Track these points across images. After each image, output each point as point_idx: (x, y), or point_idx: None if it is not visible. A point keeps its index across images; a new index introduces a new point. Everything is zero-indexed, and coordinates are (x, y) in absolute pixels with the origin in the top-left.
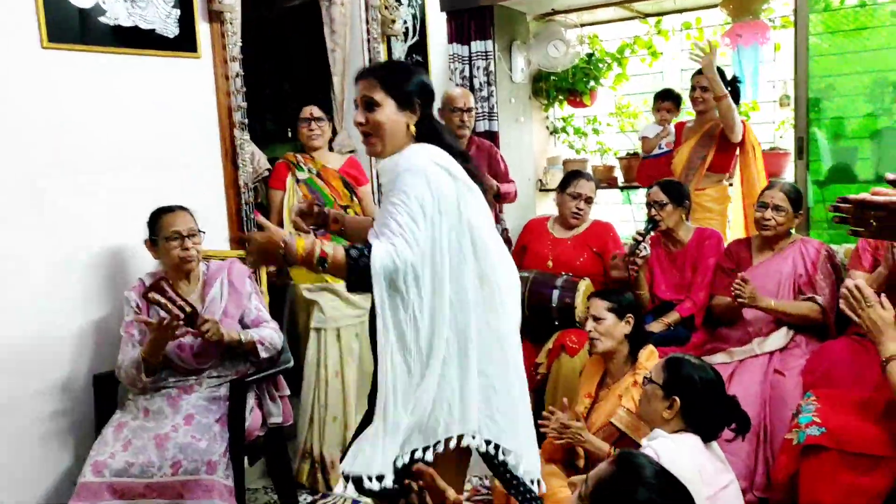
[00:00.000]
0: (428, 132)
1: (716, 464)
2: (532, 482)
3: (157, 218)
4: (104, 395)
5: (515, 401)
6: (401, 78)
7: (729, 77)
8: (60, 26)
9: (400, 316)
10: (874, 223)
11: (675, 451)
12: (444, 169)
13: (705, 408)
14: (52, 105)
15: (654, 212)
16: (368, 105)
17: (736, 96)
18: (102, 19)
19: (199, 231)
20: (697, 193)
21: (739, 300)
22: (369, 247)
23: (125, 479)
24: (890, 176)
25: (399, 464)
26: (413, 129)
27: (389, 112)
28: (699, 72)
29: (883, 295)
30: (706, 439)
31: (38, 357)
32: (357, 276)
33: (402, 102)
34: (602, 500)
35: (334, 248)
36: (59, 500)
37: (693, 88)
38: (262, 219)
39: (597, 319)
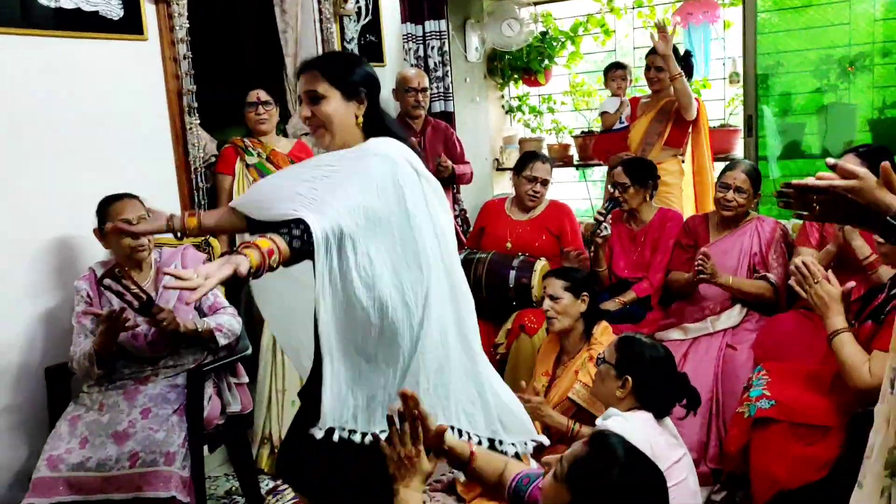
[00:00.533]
0: (376, 123)
1: (668, 438)
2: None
3: (106, 207)
4: (57, 388)
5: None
6: (344, 69)
7: (682, 53)
8: (0, 9)
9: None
10: (817, 207)
11: (627, 428)
12: (410, 164)
13: (656, 386)
14: None
15: (616, 192)
16: (313, 99)
17: (689, 71)
18: (43, 1)
19: (147, 216)
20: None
21: (701, 276)
22: (304, 225)
23: (81, 474)
24: (830, 161)
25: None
26: (361, 119)
27: (336, 104)
28: (653, 51)
29: (830, 271)
30: (658, 416)
31: None
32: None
33: (347, 93)
34: (577, 479)
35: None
36: (13, 496)
37: (648, 68)
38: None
39: (553, 298)
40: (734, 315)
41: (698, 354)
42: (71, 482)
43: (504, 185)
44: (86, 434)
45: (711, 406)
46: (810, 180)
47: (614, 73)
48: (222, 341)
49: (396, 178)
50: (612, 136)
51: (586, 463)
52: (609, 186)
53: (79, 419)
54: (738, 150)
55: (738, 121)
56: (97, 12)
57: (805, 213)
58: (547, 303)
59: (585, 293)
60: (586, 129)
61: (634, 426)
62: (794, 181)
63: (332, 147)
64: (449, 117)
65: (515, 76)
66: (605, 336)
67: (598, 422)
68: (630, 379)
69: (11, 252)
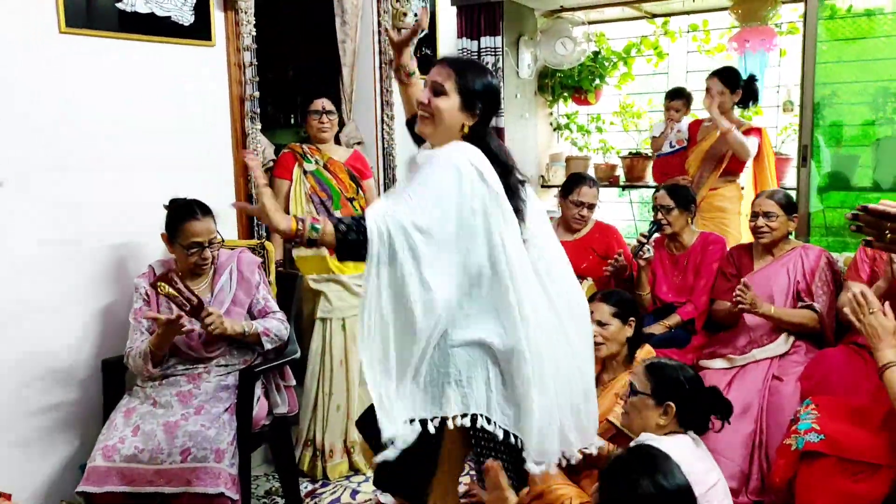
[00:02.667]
0: (478, 138)
1: (705, 462)
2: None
3: (180, 221)
4: (112, 380)
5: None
6: (474, 79)
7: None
8: (78, 11)
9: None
10: (889, 234)
11: None
12: (477, 171)
13: (696, 405)
14: (67, 90)
15: (660, 215)
16: (436, 90)
17: (753, 95)
18: (119, 6)
19: (219, 239)
20: (711, 194)
21: (740, 306)
22: (361, 218)
23: (134, 465)
24: None
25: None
26: (466, 129)
27: (452, 106)
28: (713, 74)
29: (887, 304)
30: (699, 432)
31: (47, 341)
32: (346, 243)
33: (466, 103)
34: (608, 482)
35: (324, 220)
36: (66, 483)
37: (708, 90)
38: (241, 205)
39: (601, 324)
40: (781, 343)
41: (744, 384)
42: (124, 472)
43: (549, 203)
44: (139, 423)
45: (755, 437)
46: (888, 205)
47: (671, 102)
48: (267, 346)
49: (460, 188)
50: (669, 160)
51: (618, 468)
52: (654, 211)
53: (133, 411)
54: (791, 180)
55: (788, 149)
56: (169, 17)
57: (874, 239)
58: (595, 328)
59: (632, 318)
60: (634, 151)
61: (672, 450)
62: (871, 205)
63: (430, 139)
64: (499, 133)
65: (565, 94)
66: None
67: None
68: (672, 405)
69: (74, 247)
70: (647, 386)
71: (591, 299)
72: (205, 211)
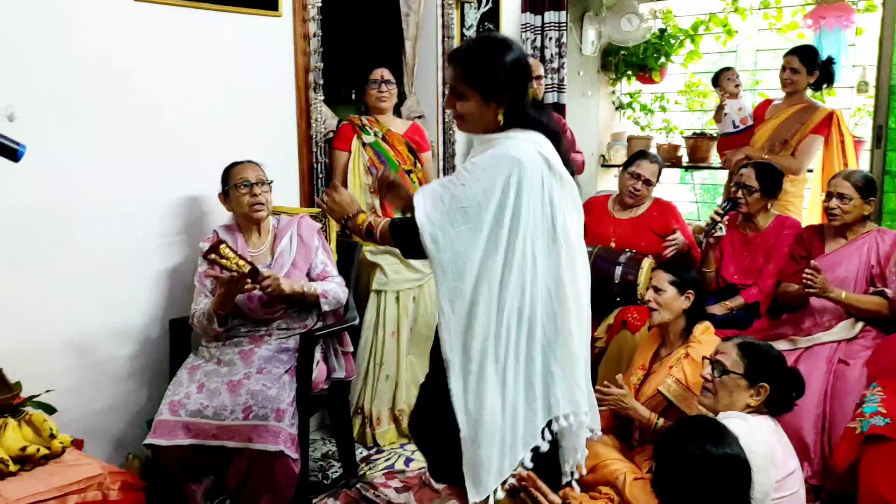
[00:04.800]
0: (517, 114)
1: (785, 447)
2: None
3: (229, 170)
4: (178, 339)
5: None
6: (485, 71)
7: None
8: None
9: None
10: None
11: (748, 433)
12: (545, 160)
13: (787, 386)
14: (138, 57)
15: (740, 193)
16: (457, 95)
17: (830, 77)
18: None
19: (268, 181)
20: None
21: (809, 290)
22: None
23: (199, 420)
24: None
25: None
26: (501, 117)
27: (474, 104)
28: (791, 51)
29: None
30: (780, 413)
31: (118, 301)
32: (401, 241)
33: (486, 96)
34: (660, 449)
35: (382, 220)
36: (133, 436)
37: (783, 69)
38: (338, 185)
39: (657, 290)
40: (847, 328)
41: (808, 366)
42: (189, 426)
43: (608, 182)
44: (203, 381)
45: (819, 421)
46: None
47: (726, 74)
48: (325, 308)
49: (519, 180)
50: (735, 139)
51: (668, 433)
52: (732, 186)
53: (197, 368)
54: (864, 163)
55: (863, 132)
56: None
57: None
58: (650, 293)
59: (691, 291)
60: (699, 131)
61: (755, 431)
62: None
63: (473, 132)
64: (560, 109)
65: (629, 72)
66: (705, 335)
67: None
68: (767, 386)
69: (144, 210)
70: (739, 366)
71: (652, 269)
72: (252, 161)
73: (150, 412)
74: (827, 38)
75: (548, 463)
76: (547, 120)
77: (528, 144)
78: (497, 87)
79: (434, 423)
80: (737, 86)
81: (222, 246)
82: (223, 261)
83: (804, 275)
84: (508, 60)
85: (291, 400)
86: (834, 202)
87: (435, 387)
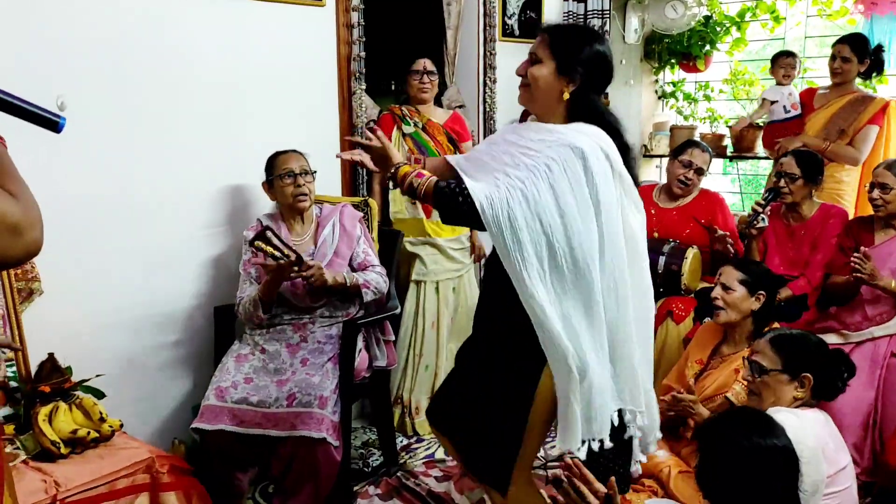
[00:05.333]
0: (583, 105)
1: (836, 441)
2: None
3: (273, 159)
4: (223, 328)
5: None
6: (572, 44)
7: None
8: None
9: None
10: None
11: (798, 427)
12: (605, 155)
13: (829, 371)
14: (185, 44)
15: (781, 182)
16: (532, 59)
17: (879, 66)
18: None
19: (312, 171)
20: (829, 164)
21: (857, 276)
22: (461, 186)
23: (244, 407)
24: None
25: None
26: (567, 95)
27: (547, 72)
28: (841, 39)
29: None
30: (830, 398)
31: (164, 289)
32: (444, 206)
33: (562, 68)
34: (703, 439)
35: (427, 179)
36: (178, 420)
37: (833, 57)
38: (381, 134)
39: (725, 288)
40: None
41: (859, 361)
42: (235, 413)
43: (651, 173)
44: (251, 375)
45: (870, 417)
46: None
47: (783, 60)
48: (367, 297)
49: (586, 169)
50: (784, 126)
51: (714, 427)
52: (773, 176)
53: (244, 358)
54: None
55: None
56: None
57: None
58: (717, 290)
59: (762, 292)
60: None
61: (805, 425)
62: None
63: (530, 109)
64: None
65: (673, 61)
66: None
67: None
68: (810, 376)
69: (190, 199)
70: (776, 361)
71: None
72: (296, 151)
73: (195, 399)
74: (879, 24)
75: (602, 459)
76: (615, 121)
77: (587, 138)
78: (574, 62)
79: (474, 414)
80: (786, 76)
81: (268, 233)
82: (268, 248)
83: (853, 260)
84: (596, 47)
85: (334, 388)
86: (876, 192)
87: (472, 377)
